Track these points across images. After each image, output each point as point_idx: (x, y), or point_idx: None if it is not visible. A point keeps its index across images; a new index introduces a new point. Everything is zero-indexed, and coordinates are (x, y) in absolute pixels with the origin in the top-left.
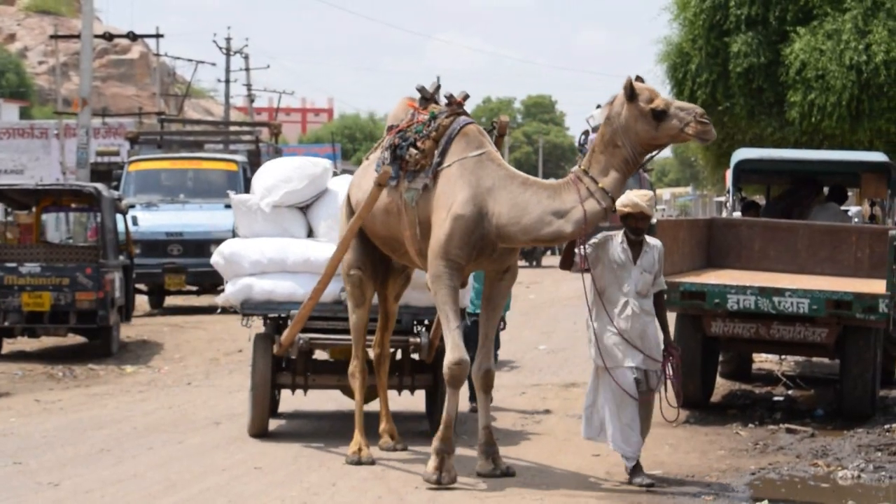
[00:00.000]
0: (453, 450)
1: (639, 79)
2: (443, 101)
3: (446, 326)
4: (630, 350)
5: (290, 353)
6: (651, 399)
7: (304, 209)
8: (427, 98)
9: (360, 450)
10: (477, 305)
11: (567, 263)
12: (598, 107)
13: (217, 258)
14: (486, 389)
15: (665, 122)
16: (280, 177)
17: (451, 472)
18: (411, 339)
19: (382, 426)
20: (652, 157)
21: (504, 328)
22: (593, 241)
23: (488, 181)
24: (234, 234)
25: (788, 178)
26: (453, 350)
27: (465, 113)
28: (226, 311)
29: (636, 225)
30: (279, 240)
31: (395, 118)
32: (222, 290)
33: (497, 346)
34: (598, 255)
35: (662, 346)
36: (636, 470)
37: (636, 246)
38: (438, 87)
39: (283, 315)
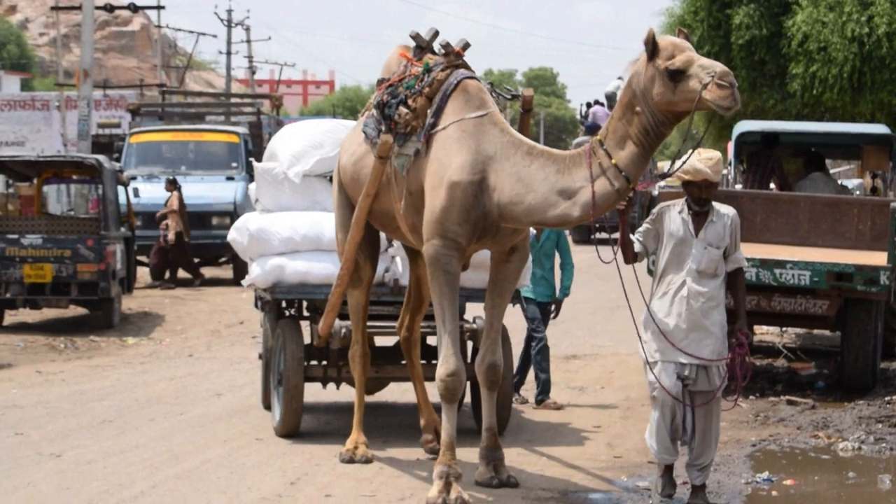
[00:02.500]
0: (460, 473)
1: (682, 32)
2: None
3: (441, 326)
4: (681, 341)
5: (330, 344)
6: (712, 403)
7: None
8: (422, 47)
9: (355, 447)
10: (532, 289)
11: (629, 255)
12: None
13: (236, 235)
14: (491, 386)
15: (683, 84)
16: (310, 142)
17: (460, 495)
18: (466, 325)
19: (423, 421)
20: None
21: (556, 316)
22: (648, 221)
23: (490, 148)
24: (233, 209)
25: (789, 150)
26: (447, 359)
27: (464, 65)
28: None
29: (699, 194)
30: (313, 214)
31: (387, 70)
32: (224, 262)
33: (543, 356)
34: (657, 230)
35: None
36: (666, 479)
37: (700, 217)
38: (436, 33)
39: (318, 299)
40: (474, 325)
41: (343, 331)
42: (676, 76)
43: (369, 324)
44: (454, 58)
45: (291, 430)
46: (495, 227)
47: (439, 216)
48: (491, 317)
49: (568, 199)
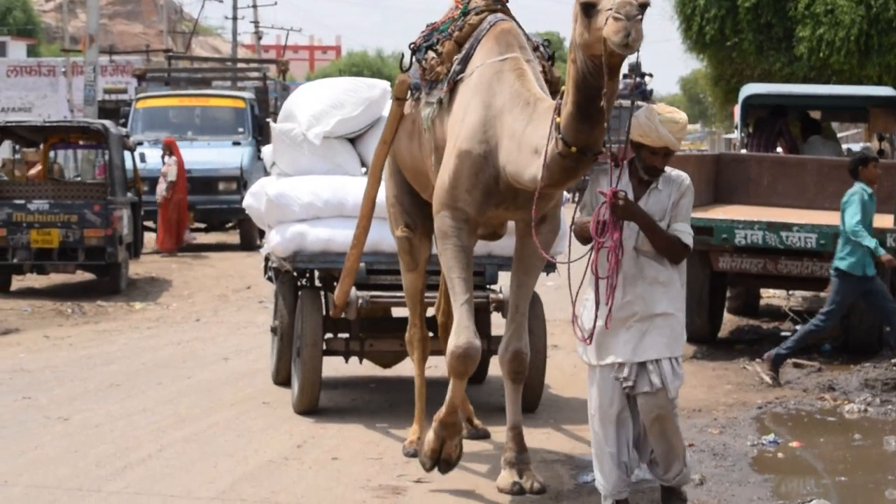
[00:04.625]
0: (460, 428)
1: None
2: None
3: (453, 299)
4: (616, 336)
5: (346, 315)
6: (664, 411)
7: (353, 140)
8: None
9: (419, 440)
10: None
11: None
12: None
13: (252, 200)
14: (516, 377)
15: (594, 20)
16: (330, 102)
17: (455, 450)
18: (492, 296)
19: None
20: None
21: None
22: (587, 189)
23: (500, 100)
24: (240, 175)
25: (796, 113)
26: (459, 331)
27: (505, 10)
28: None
29: (652, 162)
30: (335, 178)
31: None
32: (231, 227)
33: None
34: (593, 199)
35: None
36: None
37: (644, 184)
38: None
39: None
40: (500, 296)
41: (360, 301)
42: (589, 11)
43: (393, 293)
44: (493, 2)
45: (309, 407)
46: (512, 191)
47: (448, 186)
48: (516, 297)
49: (539, 159)
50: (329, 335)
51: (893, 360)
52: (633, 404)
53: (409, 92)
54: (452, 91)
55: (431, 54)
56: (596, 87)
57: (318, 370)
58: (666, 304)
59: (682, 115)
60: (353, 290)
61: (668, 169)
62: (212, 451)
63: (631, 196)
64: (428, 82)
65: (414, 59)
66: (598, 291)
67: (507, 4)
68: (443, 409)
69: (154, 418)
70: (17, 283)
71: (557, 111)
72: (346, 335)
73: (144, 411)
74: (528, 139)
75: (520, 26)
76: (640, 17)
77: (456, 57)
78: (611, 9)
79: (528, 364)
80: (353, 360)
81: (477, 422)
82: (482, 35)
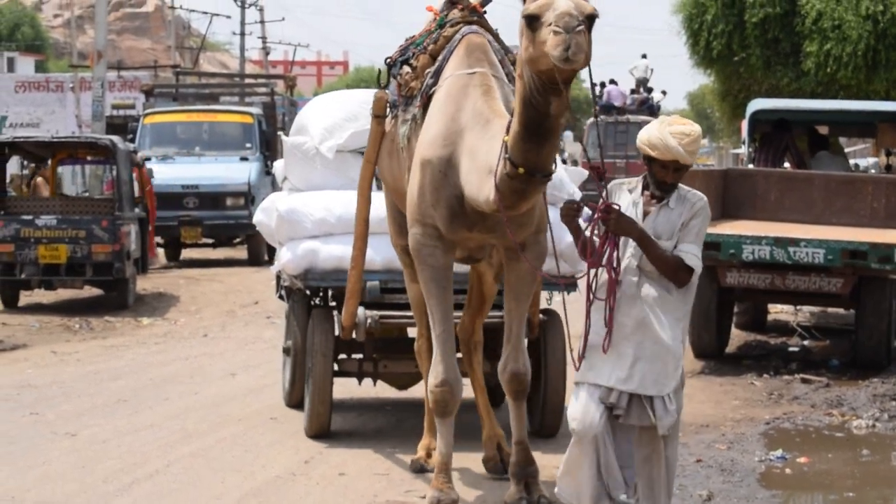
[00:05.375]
0: (456, 499)
1: None
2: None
3: (431, 327)
4: (610, 357)
5: (355, 336)
6: (654, 448)
7: None
8: (452, 1)
9: (427, 455)
10: None
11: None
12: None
13: (263, 217)
14: (517, 396)
15: (539, 34)
16: (344, 114)
17: None
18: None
19: (485, 434)
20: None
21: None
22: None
23: (464, 116)
24: (247, 190)
25: (803, 128)
26: (435, 367)
27: (478, 21)
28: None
29: (663, 177)
30: (348, 193)
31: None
32: (238, 242)
33: None
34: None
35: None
36: None
37: (658, 200)
38: None
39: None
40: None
41: (369, 321)
42: (533, 23)
43: (405, 313)
44: (469, 13)
45: (320, 431)
46: (478, 213)
47: (416, 198)
48: (509, 320)
49: (492, 180)
50: (343, 356)
51: None
52: (616, 428)
53: (388, 109)
54: (426, 106)
55: (406, 69)
56: (543, 104)
57: (328, 392)
58: (663, 333)
59: (694, 128)
60: (362, 310)
61: (683, 187)
62: (219, 467)
63: (640, 212)
64: (404, 98)
65: (392, 75)
66: (590, 314)
67: (486, 16)
68: (434, 476)
69: (161, 434)
70: (25, 298)
71: (507, 130)
72: (359, 356)
73: (152, 427)
74: (483, 159)
75: (497, 39)
76: (580, 28)
77: (428, 70)
78: (552, 22)
79: (528, 382)
80: (368, 381)
81: (508, 449)
82: (454, 47)
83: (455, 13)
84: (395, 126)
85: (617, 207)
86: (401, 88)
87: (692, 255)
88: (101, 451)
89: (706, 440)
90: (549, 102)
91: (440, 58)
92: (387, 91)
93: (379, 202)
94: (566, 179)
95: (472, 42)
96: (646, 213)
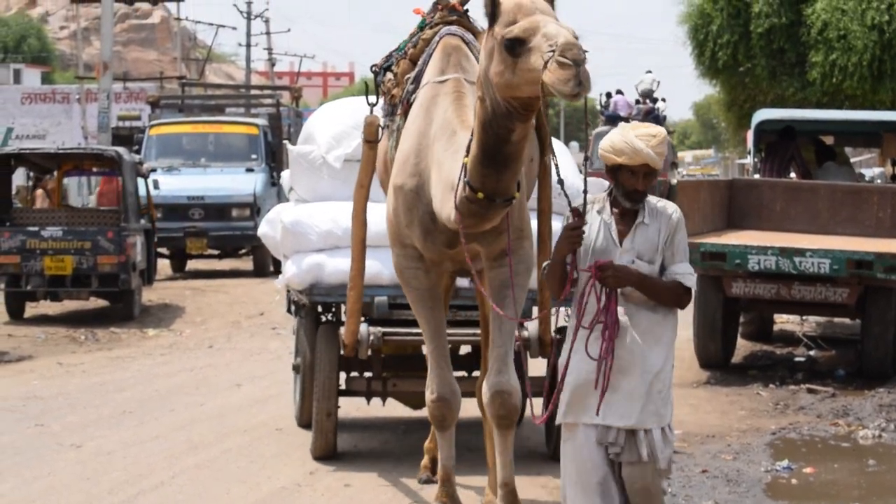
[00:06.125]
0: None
1: None
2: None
3: (425, 344)
4: (597, 393)
5: (359, 354)
6: (652, 484)
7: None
8: (436, 1)
9: (433, 466)
10: None
11: (556, 284)
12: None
13: (268, 229)
14: (501, 423)
15: (523, 60)
16: (352, 122)
17: None
18: (524, 333)
19: (490, 479)
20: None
21: None
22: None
23: (434, 127)
24: (253, 201)
25: (809, 139)
26: (430, 382)
27: (462, 22)
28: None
29: (633, 185)
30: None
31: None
32: (244, 253)
33: None
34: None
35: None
36: None
37: (628, 218)
38: None
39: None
40: (525, 333)
41: (371, 338)
42: (515, 49)
43: (413, 329)
44: (447, 13)
45: (325, 452)
46: (452, 229)
47: (392, 220)
48: (494, 333)
49: (452, 198)
50: (355, 373)
51: None
52: (617, 471)
53: (380, 133)
54: (406, 113)
55: (389, 76)
56: (506, 128)
57: (333, 412)
58: (658, 361)
59: (658, 129)
60: (365, 327)
61: (652, 199)
62: (224, 478)
63: (614, 232)
64: (389, 107)
65: (377, 83)
66: (572, 349)
67: (468, 14)
68: (438, 487)
69: (167, 445)
70: (31, 309)
71: (468, 149)
72: (369, 374)
73: (157, 438)
74: (446, 173)
75: (479, 37)
76: (584, 60)
77: (408, 76)
78: (552, 51)
79: (516, 406)
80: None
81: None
82: (432, 50)
83: (437, 14)
84: (387, 137)
85: (609, 262)
86: (384, 97)
87: (689, 276)
88: (107, 462)
89: (712, 450)
90: (512, 129)
91: (420, 62)
92: (377, 115)
93: (381, 215)
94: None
95: (448, 45)
96: (620, 233)
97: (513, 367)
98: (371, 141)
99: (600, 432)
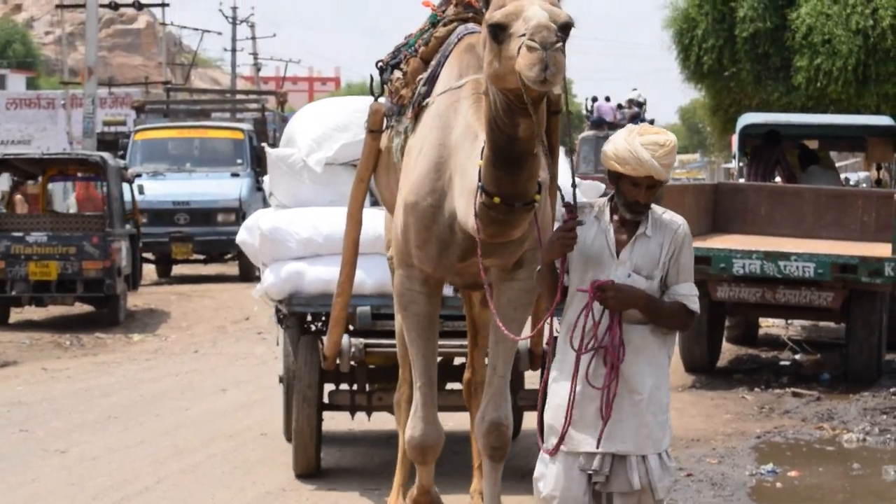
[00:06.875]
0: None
1: None
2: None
3: (413, 377)
4: (584, 416)
5: (340, 366)
6: None
7: None
8: None
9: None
10: None
11: (548, 292)
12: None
13: (247, 235)
14: (494, 454)
15: (505, 47)
16: (333, 124)
17: None
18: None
19: (474, 485)
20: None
21: None
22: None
23: (454, 134)
24: (238, 206)
25: (794, 143)
26: (412, 421)
27: (474, 17)
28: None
29: (635, 196)
30: (338, 210)
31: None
32: (230, 258)
33: None
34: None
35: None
36: None
37: (628, 227)
38: None
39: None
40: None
41: (353, 350)
42: (498, 35)
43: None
44: (463, 9)
45: (306, 470)
46: (472, 238)
47: (401, 240)
48: (494, 356)
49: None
50: (344, 386)
51: (892, 389)
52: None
53: (385, 122)
54: (417, 117)
55: (397, 74)
56: (510, 126)
57: (314, 427)
58: (652, 381)
59: (668, 137)
60: (346, 338)
61: (658, 209)
62: (209, 483)
63: (612, 241)
64: (396, 107)
65: (382, 81)
66: (567, 363)
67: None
68: (413, 489)
69: (152, 450)
70: (16, 315)
71: (482, 152)
72: (354, 387)
73: (142, 443)
74: (470, 180)
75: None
76: (559, 44)
77: (420, 77)
78: (524, 34)
79: (509, 439)
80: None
81: None
82: (449, 50)
83: (450, 10)
84: (390, 139)
85: (610, 282)
86: (392, 96)
87: (693, 298)
88: (92, 468)
89: (697, 454)
90: (516, 124)
91: (434, 62)
92: (381, 102)
93: (368, 221)
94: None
95: (467, 44)
96: (618, 243)
97: (509, 396)
98: (375, 131)
99: (584, 458)
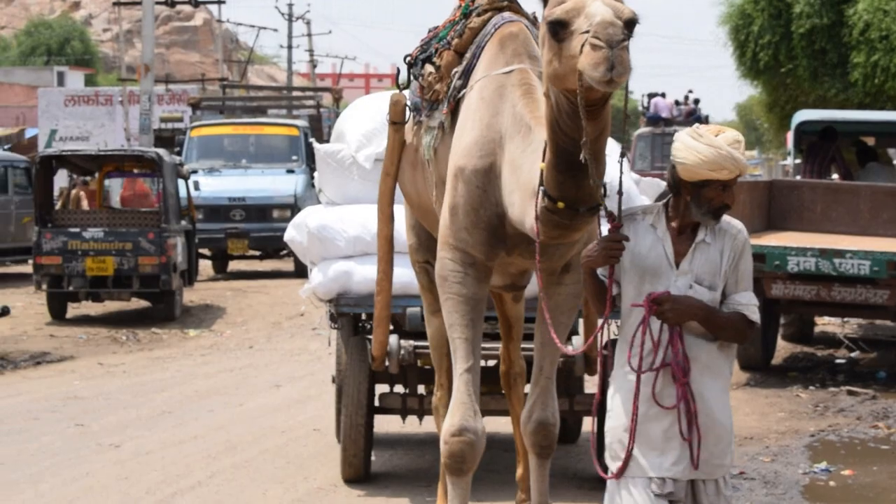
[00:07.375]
0: None
1: None
2: None
3: (453, 364)
4: (652, 439)
5: (389, 368)
6: None
7: None
8: None
9: None
10: None
11: (598, 303)
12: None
13: (295, 233)
14: (542, 452)
15: (566, 46)
16: (384, 119)
17: None
18: (569, 349)
19: (520, 471)
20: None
21: None
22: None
23: (503, 121)
24: (294, 202)
25: (850, 139)
26: (452, 411)
27: (510, 6)
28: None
29: (721, 200)
30: None
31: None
32: (285, 254)
33: None
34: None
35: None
36: None
37: (685, 236)
38: None
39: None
40: (569, 349)
41: (402, 351)
42: (559, 33)
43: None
44: None
45: (354, 475)
46: (523, 234)
47: (448, 219)
48: (540, 357)
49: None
50: (398, 389)
51: None
52: None
53: (408, 113)
54: (454, 112)
55: (429, 68)
56: (575, 128)
57: (362, 431)
58: (715, 404)
59: (734, 132)
60: (395, 339)
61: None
62: (261, 479)
63: (670, 251)
64: (428, 103)
65: (413, 76)
66: (627, 380)
67: (518, 1)
68: None
69: (204, 445)
70: (73, 310)
71: (544, 152)
72: (405, 389)
73: (195, 438)
74: (526, 178)
75: (536, 25)
76: (625, 41)
77: (455, 70)
78: (587, 31)
79: (556, 436)
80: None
81: None
82: (485, 41)
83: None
84: (418, 134)
85: (666, 294)
86: (423, 91)
87: (753, 308)
88: (145, 462)
89: (750, 452)
90: (580, 128)
91: (468, 54)
92: (404, 93)
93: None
94: (634, 193)
95: (507, 33)
96: (677, 253)
97: (555, 395)
98: (397, 122)
99: (657, 484)
